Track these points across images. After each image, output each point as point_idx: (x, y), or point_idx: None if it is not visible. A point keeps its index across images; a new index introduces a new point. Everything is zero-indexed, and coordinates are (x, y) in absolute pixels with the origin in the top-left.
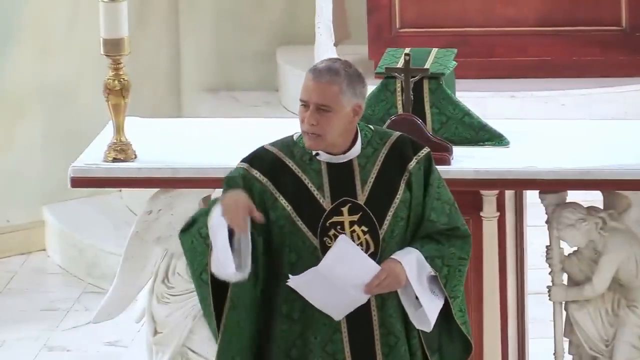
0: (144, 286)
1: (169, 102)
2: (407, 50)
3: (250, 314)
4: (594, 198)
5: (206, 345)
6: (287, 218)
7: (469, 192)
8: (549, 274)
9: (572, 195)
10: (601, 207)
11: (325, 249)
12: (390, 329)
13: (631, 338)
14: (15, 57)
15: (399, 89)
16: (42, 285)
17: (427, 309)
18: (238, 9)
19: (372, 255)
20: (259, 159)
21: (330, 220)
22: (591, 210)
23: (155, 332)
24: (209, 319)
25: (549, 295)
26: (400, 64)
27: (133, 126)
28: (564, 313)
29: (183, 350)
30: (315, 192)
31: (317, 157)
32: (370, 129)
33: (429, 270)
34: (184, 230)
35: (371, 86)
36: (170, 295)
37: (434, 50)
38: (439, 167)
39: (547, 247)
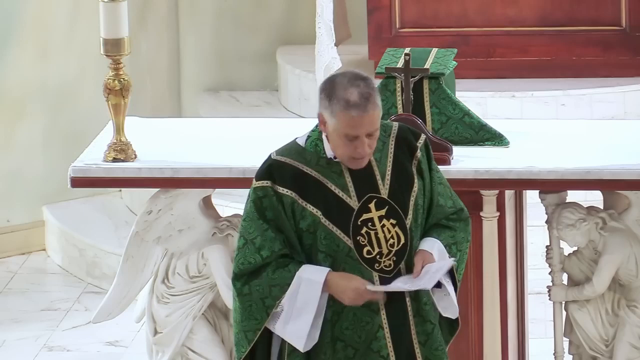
0: (144, 286)
1: (169, 102)
2: (407, 50)
3: None
4: (594, 198)
5: (206, 345)
6: (319, 224)
7: (469, 192)
8: (549, 274)
9: (572, 195)
10: (601, 207)
11: (359, 247)
12: (425, 317)
13: (631, 338)
14: (15, 58)
15: (399, 89)
16: (42, 285)
17: (452, 296)
18: (238, 9)
19: (403, 247)
20: (277, 172)
21: (360, 219)
22: (591, 210)
23: (155, 332)
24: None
25: (549, 295)
26: (400, 64)
27: (133, 126)
28: (564, 313)
29: (183, 350)
30: (341, 194)
31: (336, 159)
32: None
33: (447, 257)
34: (244, 282)
35: None
36: (170, 295)
37: (434, 50)
38: (440, 168)
39: (547, 247)
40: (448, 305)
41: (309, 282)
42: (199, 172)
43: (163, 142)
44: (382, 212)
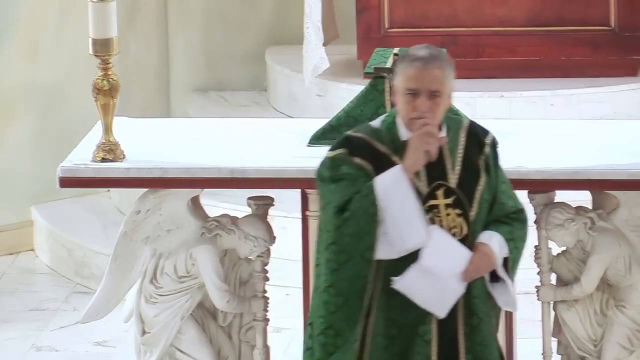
0: (133, 286)
1: (158, 102)
2: (396, 50)
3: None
4: (582, 198)
5: (194, 345)
6: None
7: None
8: (538, 273)
9: (561, 195)
10: (590, 207)
11: None
12: (474, 310)
13: (620, 338)
14: (4, 58)
15: (387, 89)
16: (30, 285)
17: (511, 290)
18: (227, 9)
19: (465, 238)
20: (354, 145)
21: (427, 204)
22: (580, 210)
23: (144, 332)
24: (357, 296)
25: (538, 295)
26: (389, 64)
27: (122, 126)
28: (553, 313)
29: (171, 350)
30: (412, 176)
31: None
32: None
33: (505, 252)
34: (340, 212)
35: (360, 86)
36: (159, 295)
37: None
38: None
39: (535, 247)
40: (509, 300)
41: (389, 173)
42: (187, 172)
43: (152, 142)
44: (449, 200)
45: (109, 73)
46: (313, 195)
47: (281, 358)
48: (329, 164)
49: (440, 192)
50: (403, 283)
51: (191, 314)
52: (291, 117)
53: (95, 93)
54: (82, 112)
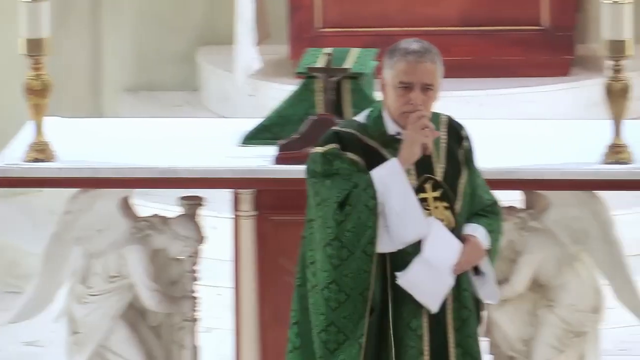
0: (63, 286)
1: (89, 102)
2: (328, 50)
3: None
4: (513, 198)
5: (124, 345)
6: None
7: None
8: None
9: None
10: (521, 207)
11: None
12: (463, 303)
13: (550, 338)
14: None
15: (319, 89)
16: None
17: (492, 282)
18: (159, 10)
19: (452, 231)
20: (345, 140)
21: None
22: (511, 210)
23: (74, 332)
24: (359, 292)
25: None
26: (321, 64)
27: (54, 126)
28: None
29: (101, 351)
30: None
31: (399, 136)
32: None
33: (487, 244)
34: (341, 207)
35: (292, 86)
36: (89, 295)
37: (355, 50)
38: None
39: None
40: (491, 291)
41: (386, 166)
42: (118, 172)
43: (83, 142)
44: (437, 194)
45: (41, 73)
46: (244, 195)
47: (211, 358)
48: (321, 159)
49: (428, 186)
50: (407, 278)
51: (121, 314)
52: (223, 117)
53: (27, 93)
54: (13, 112)
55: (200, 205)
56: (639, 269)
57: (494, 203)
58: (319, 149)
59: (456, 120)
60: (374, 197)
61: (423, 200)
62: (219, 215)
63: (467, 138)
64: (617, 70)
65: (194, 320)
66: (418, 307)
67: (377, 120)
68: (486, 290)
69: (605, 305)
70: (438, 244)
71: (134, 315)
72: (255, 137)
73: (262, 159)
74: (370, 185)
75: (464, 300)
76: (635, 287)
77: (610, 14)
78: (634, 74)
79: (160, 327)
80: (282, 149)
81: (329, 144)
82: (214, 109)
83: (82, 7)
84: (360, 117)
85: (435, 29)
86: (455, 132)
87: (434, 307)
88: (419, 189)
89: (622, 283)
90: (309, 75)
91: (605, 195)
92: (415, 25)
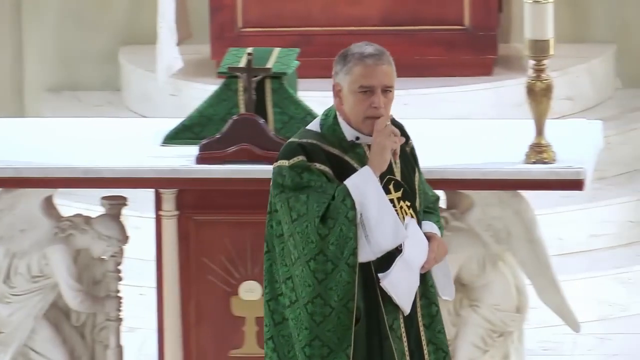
0: None
1: (11, 101)
2: (249, 49)
3: None
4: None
5: (48, 344)
6: None
7: None
8: None
9: None
10: (444, 206)
11: None
12: (431, 299)
13: (473, 337)
14: None
15: (241, 89)
16: None
17: (449, 277)
18: (81, 9)
19: None
20: (310, 151)
21: None
22: None
23: None
24: (344, 303)
25: None
26: (242, 64)
27: None
28: None
29: (24, 350)
30: None
31: (358, 141)
32: None
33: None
34: (323, 221)
35: (213, 86)
36: (12, 295)
37: (277, 50)
38: None
39: None
40: (447, 287)
41: (359, 175)
42: (41, 171)
43: (5, 142)
44: (399, 194)
45: None
46: (167, 194)
47: (134, 357)
48: (289, 172)
49: (391, 186)
50: (390, 280)
51: (45, 314)
52: (145, 116)
53: None
54: None
55: (123, 205)
56: (562, 268)
57: (438, 199)
58: (284, 162)
59: (397, 121)
60: (352, 207)
61: (390, 202)
62: (142, 215)
63: (409, 137)
64: (539, 70)
65: (118, 319)
66: (395, 307)
67: (332, 127)
68: (444, 285)
69: (529, 305)
70: (414, 245)
71: (57, 314)
72: (177, 136)
73: (184, 159)
74: (347, 195)
75: (431, 296)
76: (558, 287)
77: (533, 14)
78: (556, 73)
79: (83, 326)
80: (204, 148)
81: (294, 157)
82: (136, 109)
83: (3, 6)
84: (313, 127)
85: (357, 29)
86: (401, 132)
87: (407, 307)
88: (384, 191)
89: (545, 283)
90: (230, 75)
91: (528, 195)
92: (337, 24)
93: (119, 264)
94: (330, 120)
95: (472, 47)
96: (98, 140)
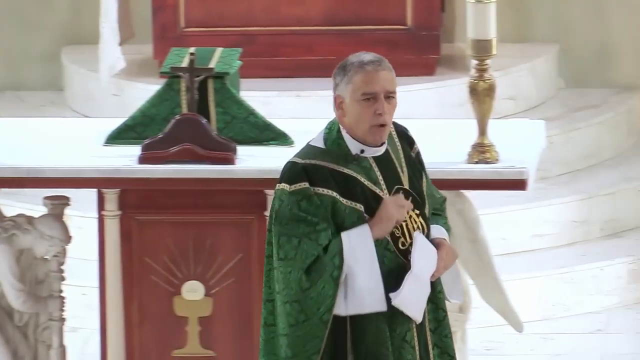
0: None
1: None
2: (191, 49)
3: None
4: None
5: None
6: (362, 219)
7: (254, 191)
8: None
9: None
10: None
11: (395, 239)
12: (439, 305)
13: None
14: None
15: (183, 89)
16: None
17: (459, 282)
18: (23, 8)
19: (427, 237)
20: (313, 174)
21: None
22: None
23: None
24: (310, 354)
25: None
26: (185, 64)
27: None
28: None
29: None
30: (374, 187)
31: (363, 154)
32: None
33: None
34: (308, 273)
35: (156, 86)
36: None
37: (219, 50)
38: (223, 167)
39: None
40: (457, 291)
41: (357, 234)
42: None
43: None
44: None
45: None
46: (109, 194)
47: (77, 357)
48: (288, 199)
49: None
50: (402, 298)
51: None
52: (88, 116)
53: None
54: None
55: (66, 205)
56: (505, 268)
57: (444, 200)
58: (286, 187)
59: (399, 124)
60: (339, 266)
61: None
62: (84, 215)
63: (414, 141)
64: (482, 69)
65: (61, 319)
66: (407, 318)
67: (337, 142)
68: (453, 289)
69: (472, 305)
70: (423, 257)
71: (0, 315)
72: (119, 136)
73: (127, 159)
74: (338, 253)
75: (439, 302)
76: (501, 287)
77: (475, 14)
78: (499, 73)
79: (26, 326)
80: (146, 148)
81: (297, 182)
82: (78, 109)
83: None
84: (317, 142)
85: (299, 29)
86: (406, 137)
87: (419, 317)
88: None
89: (488, 283)
90: (173, 75)
91: (471, 194)
92: (279, 24)
93: (61, 263)
94: (334, 134)
95: (414, 47)
96: (41, 140)
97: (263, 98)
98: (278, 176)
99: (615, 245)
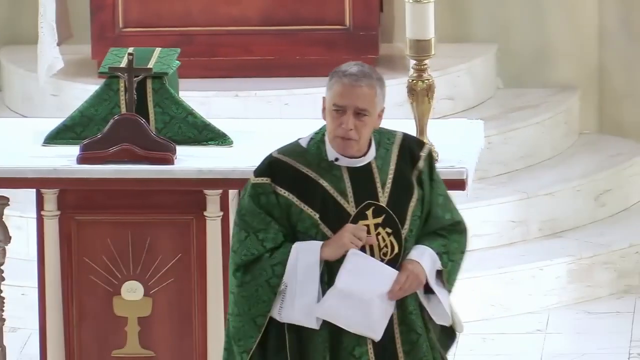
0: None
1: None
2: (130, 49)
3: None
4: None
5: None
6: (316, 226)
7: (192, 191)
8: None
9: None
10: None
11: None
12: (411, 326)
13: None
14: None
15: (122, 89)
16: None
17: (444, 304)
18: None
19: (396, 257)
20: (277, 171)
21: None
22: None
23: None
24: (243, 349)
25: None
26: (123, 64)
27: None
28: None
29: None
30: (339, 198)
31: (337, 162)
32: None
33: (439, 266)
34: (245, 271)
35: (95, 86)
36: None
37: (158, 50)
38: (162, 168)
39: None
40: (441, 313)
41: (306, 250)
42: None
43: None
44: (379, 220)
45: None
46: (48, 194)
47: (16, 358)
48: (250, 189)
49: (369, 212)
50: (323, 309)
51: None
52: (26, 116)
53: None
54: None
55: (5, 205)
56: None
57: (457, 222)
58: (252, 178)
59: (416, 138)
60: (279, 275)
61: (365, 227)
62: (23, 215)
63: (426, 157)
64: (420, 69)
65: (1, 320)
66: (360, 335)
67: (318, 144)
68: (436, 311)
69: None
70: (357, 274)
71: None
72: (58, 136)
73: (66, 159)
74: (281, 262)
75: (411, 323)
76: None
77: (413, 14)
78: (438, 73)
79: None
80: (85, 148)
81: (261, 176)
82: (16, 109)
83: None
84: (303, 141)
85: (237, 29)
86: (410, 152)
87: (375, 335)
88: (359, 216)
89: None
90: (111, 75)
91: None
92: (217, 24)
93: (1, 264)
94: (319, 137)
95: (353, 47)
96: None
97: (201, 98)
98: (217, 177)
99: (554, 245)
